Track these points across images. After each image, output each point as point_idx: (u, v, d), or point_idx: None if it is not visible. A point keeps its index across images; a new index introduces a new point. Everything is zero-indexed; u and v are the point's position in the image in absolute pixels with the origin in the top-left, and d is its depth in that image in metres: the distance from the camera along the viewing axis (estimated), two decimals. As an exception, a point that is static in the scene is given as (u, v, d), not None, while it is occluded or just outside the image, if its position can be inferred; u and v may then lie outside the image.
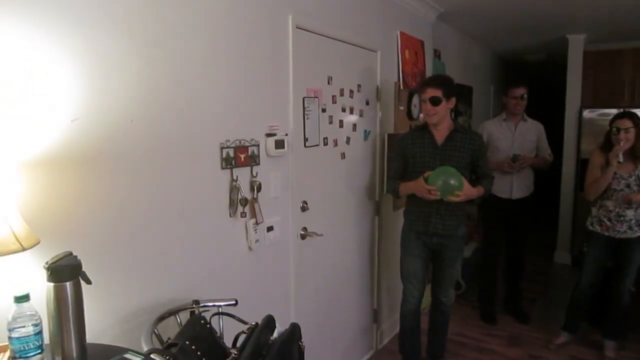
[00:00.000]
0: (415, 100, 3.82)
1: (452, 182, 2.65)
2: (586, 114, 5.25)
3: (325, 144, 2.79)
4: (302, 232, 2.64)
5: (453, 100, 2.82)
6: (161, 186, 1.81)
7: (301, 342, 1.77)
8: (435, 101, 2.75)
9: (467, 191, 2.71)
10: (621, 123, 3.08)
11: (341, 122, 2.93)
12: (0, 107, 1.31)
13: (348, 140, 3.01)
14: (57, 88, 1.44)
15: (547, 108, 6.76)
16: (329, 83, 2.77)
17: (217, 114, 2.02)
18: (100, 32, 1.55)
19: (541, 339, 3.71)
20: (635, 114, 3.13)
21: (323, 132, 2.74)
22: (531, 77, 7.24)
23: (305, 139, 2.59)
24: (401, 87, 3.57)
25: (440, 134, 2.86)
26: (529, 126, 3.92)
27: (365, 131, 3.21)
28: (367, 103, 3.20)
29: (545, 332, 3.81)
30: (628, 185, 3.12)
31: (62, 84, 1.46)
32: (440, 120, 2.81)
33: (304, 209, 2.62)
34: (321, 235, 2.72)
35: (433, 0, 3.84)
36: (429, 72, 4.09)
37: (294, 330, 1.76)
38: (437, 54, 4.52)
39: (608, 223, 3.21)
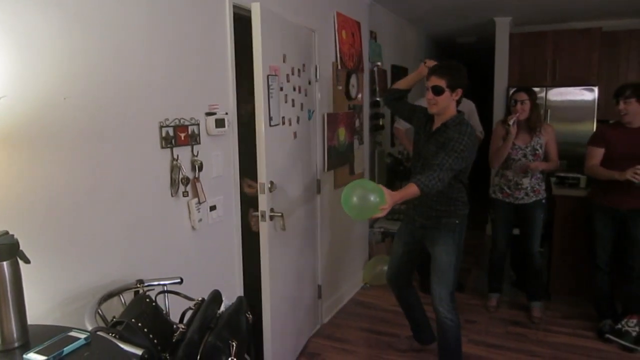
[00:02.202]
0: (354, 80, 3.90)
1: (371, 198, 2.15)
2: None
3: (283, 123, 2.75)
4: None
5: (459, 91, 2.55)
6: (99, 165, 1.77)
7: (248, 314, 1.80)
8: (437, 90, 2.51)
9: (392, 200, 2.21)
10: (518, 96, 3.46)
11: (293, 101, 2.90)
12: None
13: (298, 120, 3.02)
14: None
15: (478, 88, 7.07)
16: (284, 61, 2.73)
17: (155, 92, 1.99)
18: (31, 8, 1.49)
19: (476, 305, 3.95)
20: (531, 89, 3.51)
21: (281, 111, 2.71)
22: (463, 59, 7.51)
23: (270, 118, 2.54)
24: (339, 67, 3.62)
25: (437, 125, 2.61)
26: (461, 105, 4.10)
27: (309, 110, 3.25)
28: (309, 82, 3.23)
29: (479, 298, 4.05)
30: (525, 155, 3.47)
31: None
32: (441, 111, 2.56)
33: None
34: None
35: (368, -18, 3.92)
36: (365, 53, 4.18)
37: (241, 303, 1.79)
38: (373, 36, 4.61)
39: (508, 191, 3.57)
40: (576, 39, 5.27)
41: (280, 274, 2.96)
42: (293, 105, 2.93)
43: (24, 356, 1.16)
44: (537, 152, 3.47)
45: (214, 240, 2.41)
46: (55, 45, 1.58)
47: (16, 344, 1.23)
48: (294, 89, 2.94)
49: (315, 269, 3.58)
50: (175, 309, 1.86)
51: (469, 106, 4.13)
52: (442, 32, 6.63)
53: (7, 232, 1.23)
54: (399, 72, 5.56)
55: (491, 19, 5.61)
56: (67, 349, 1.19)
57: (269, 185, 2.57)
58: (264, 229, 2.55)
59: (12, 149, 1.47)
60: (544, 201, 3.54)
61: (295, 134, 2.99)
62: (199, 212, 2.25)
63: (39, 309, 1.54)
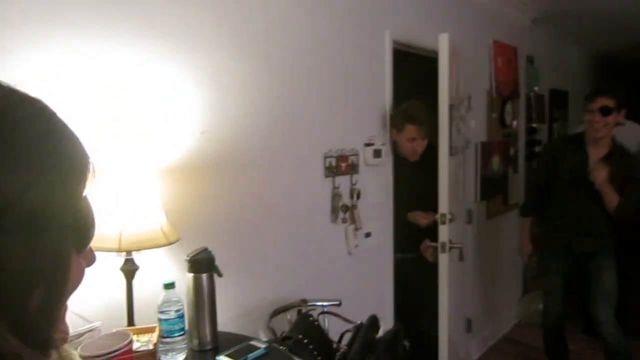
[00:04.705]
0: (509, 107, 3.76)
1: None
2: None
3: (455, 152, 2.73)
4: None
5: (623, 112, 2.56)
6: (272, 192, 1.96)
7: (405, 343, 1.83)
8: (606, 111, 2.49)
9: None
10: None
11: (460, 130, 2.88)
12: (145, 123, 1.52)
13: (463, 149, 3.00)
14: (189, 105, 1.64)
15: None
16: (457, 91, 2.72)
17: (321, 125, 2.16)
18: (224, 54, 1.74)
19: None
20: None
21: (454, 141, 2.68)
22: (632, 77, 6.81)
23: (451, 148, 2.53)
24: (494, 95, 3.53)
25: (597, 152, 2.60)
26: (630, 130, 3.64)
27: (467, 139, 3.21)
28: (466, 111, 3.20)
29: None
30: None
31: (192, 102, 1.65)
32: (607, 135, 2.56)
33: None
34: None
35: (526, 5, 3.78)
36: (522, 79, 4.01)
37: (398, 331, 1.83)
38: (530, 60, 4.40)
39: None
40: None
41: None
42: (459, 134, 2.90)
43: (217, 357, 1.33)
44: None
45: (367, 266, 2.49)
46: (243, 86, 1.82)
47: (209, 347, 1.42)
48: (460, 118, 2.92)
49: (465, 301, 3.46)
50: (332, 329, 1.95)
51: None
52: (608, 50, 6.07)
53: (206, 249, 1.43)
54: (559, 96, 5.21)
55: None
56: (250, 356, 1.34)
57: (450, 217, 2.51)
58: (444, 260, 2.51)
59: (206, 177, 1.72)
60: None
61: (462, 163, 2.96)
62: (355, 238, 2.36)
63: (220, 317, 1.74)
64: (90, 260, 0.51)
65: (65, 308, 0.48)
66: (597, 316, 2.71)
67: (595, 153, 2.61)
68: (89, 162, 0.48)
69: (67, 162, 0.45)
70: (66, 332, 0.49)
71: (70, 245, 0.46)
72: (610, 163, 2.52)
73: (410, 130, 2.52)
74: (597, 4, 3.87)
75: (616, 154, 2.57)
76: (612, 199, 2.52)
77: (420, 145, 2.59)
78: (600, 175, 2.48)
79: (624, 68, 7.07)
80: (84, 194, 0.47)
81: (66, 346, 0.51)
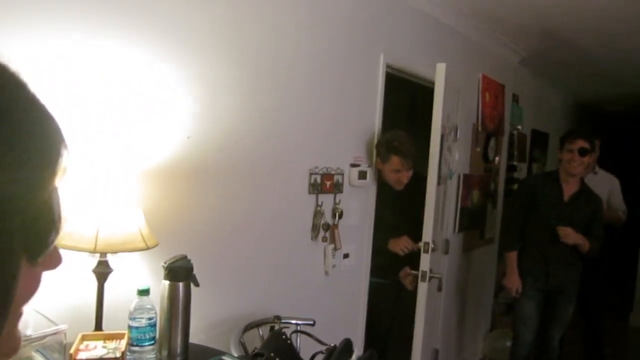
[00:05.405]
0: (492, 142, 3.82)
1: None
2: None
3: (441, 182, 2.71)
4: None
5: (595, 154, 2.99)
6: (254, 204, 1.93)
7: (378, 369, 1.80)
8: (583, 152, 2.81)
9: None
10: None
11: (445, 159, 2.85)
12: (127, 124, 1.48)
13: (446, 179, 2.99)
14: (177, 109, 1.61)
15: (630, 160, 6.51)
16: (447, 121, 2.71)
17: (309, 140, 2.14)
18: (215, 61, 1.72)
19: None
20: None
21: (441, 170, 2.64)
22: (611, 128, 7.04)
23: (439, 177, 2.51)
24: (479, 129, 3.58)
25: (569, 189, 2.91)
26: (603, 180, 3.68)
27: (451, 170, 3.22)
28: (452, 141, 3.23)
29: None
30: None
31: (181, 105, 1.62)
32: (580, 173, 2.89)
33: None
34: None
35: (516, 45, 3.87)
36: (507, 116, 4.09)
37: (372, 357, 1.79)
38: (515, 99, 4.50)
39: None
40: None
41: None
42: (445, 164, 2.91)
43: (186, 372, 1.27)
44: None
45: (343, 288, 2.46)
46: (232, 95, 1.79)
47: (178, 359, 1.36)
48: (448, 149, 2.94)
49: (435, 331, 3.44)
50: (304, 349, 1.91)
51: (611, 182, 3.69)
52: (590, 99, 6.26)
53: (185, 256, 1.39)
54: (540, 137, 5.32)
55: (650, 88, 5.19)
56: (221, 372, 1.29)
57: (432, 246, 2.48)
58: (423, 289, 2.48)
59: (190, 182, 1.67)
60: None
61: (445, 193, 2.97)
62: (333, 258, 2.33)
63: (191, 326, 1.68)
64: (54, 262, 0.42)
65: (19, 315, 0.40)
66: (553, 335, 3.03)
67: (569, 190, 2.90)
68: (61, 151, 0.38)
69: (31, 153, 0.36)
70: (17, 343, 0.41)
71: (19, 255, 0.37)
72: (580, 199, 2.89)
73: (395, 161, 2.49)
74: (581, 53, 3.99)
75: (584, 192, 2.92)
76: (584, 246, 2.84)
77: (405, 176, 2.55)
78: (570, 238, 2.81)
79: (603, 118, 7.30)
80: (51, 189, 0.38)
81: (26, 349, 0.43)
